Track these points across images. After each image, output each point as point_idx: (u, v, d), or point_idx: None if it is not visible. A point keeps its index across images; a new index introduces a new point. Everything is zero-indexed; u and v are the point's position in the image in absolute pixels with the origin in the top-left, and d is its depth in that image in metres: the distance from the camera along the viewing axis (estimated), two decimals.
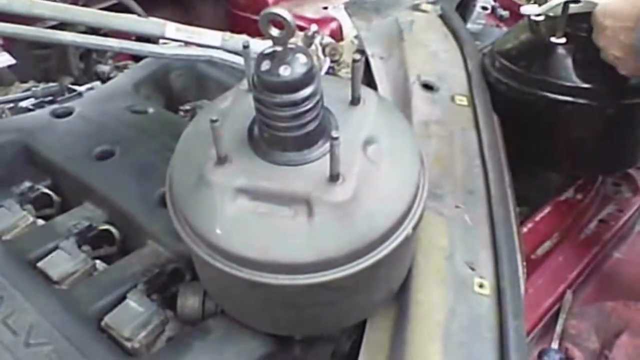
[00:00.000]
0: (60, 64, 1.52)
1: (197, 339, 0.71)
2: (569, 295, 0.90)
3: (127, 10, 1.33)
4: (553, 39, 1.03)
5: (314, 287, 0.62)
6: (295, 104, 0.60)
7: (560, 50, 1.02)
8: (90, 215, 0.90)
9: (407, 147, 0.69)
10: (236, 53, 1.14)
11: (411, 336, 0.70)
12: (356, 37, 1.46)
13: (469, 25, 1.65)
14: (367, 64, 1.24)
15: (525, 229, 0.99)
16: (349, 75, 1.35)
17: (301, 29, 1.64)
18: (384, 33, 1.34)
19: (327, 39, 1.25)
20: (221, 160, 0.63)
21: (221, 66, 1.18)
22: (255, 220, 0.61)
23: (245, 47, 0.66)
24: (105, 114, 1.05)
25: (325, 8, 1.73)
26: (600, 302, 0.89)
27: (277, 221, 0.61)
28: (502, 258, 0.78)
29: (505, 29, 1.77)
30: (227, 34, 1.15)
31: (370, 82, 1.20)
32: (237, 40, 1.18)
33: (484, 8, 1.68)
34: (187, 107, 1.23)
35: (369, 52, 1.28)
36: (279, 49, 0.59)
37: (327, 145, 0.63)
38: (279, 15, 0.55)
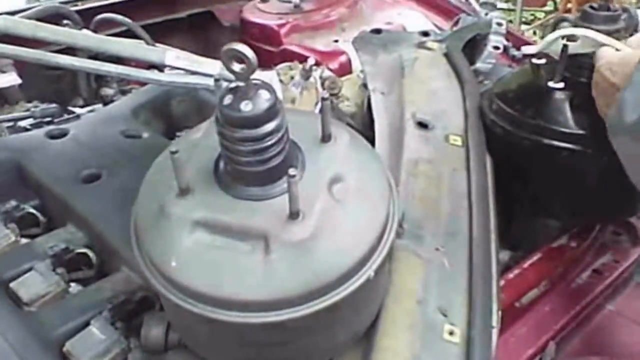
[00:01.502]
0: (71, 86, 1.55)
1: None
2: (551, 347, 0.86)
3: (136, 37, 1.35)
4: (551, 84, 1.01)
5: (268, 326, 0.61)
6: (256, 139, 0.59)
7: (558, 95, 1.00)
8: (70, 238, 0.90)
9: (376, 187, 0.68)
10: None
11: None
12: (362, 71, 1.46)
13: (479, 65, 1.63)
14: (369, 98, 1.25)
15: (511, 275, 0.96)
16: (347, 109, 1.36)
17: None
18: (387, 69, 1.34)
19: (327, 73, 1.26)
20: (183, 192, 0.63)
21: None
22: (211, 255, 0.61)
23: (217, 80, 0.66)
24: (98, 137, 1.07)
25: (336, 41, 1.74)
26: (584, 357, 0.86)
27: (233, 256, 0.60)
28: (476, 305, 0.76)
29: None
30: None
31: (371, 117, 1.20)
32: None
33: (496, 48, 1.66)
34: (184, 133, 1.24)
35: (370, 87, 1.28)
36: (241, 84, 0.59)
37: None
38: (240, 51, 0.56)
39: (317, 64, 1.36)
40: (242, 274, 0.60)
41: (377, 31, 1.48)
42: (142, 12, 1.76)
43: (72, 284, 0.86)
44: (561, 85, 1.00)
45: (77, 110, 1.21)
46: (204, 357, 0.71)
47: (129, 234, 0.86)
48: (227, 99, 0.59)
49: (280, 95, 1.19)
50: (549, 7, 6.17)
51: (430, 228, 0.87)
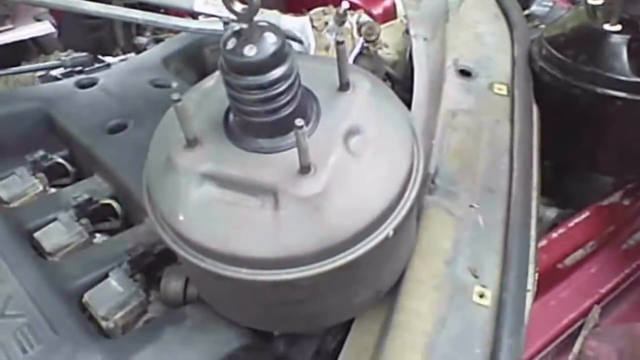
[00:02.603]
0: (110, 35, 1.53)
1: (170, 325, 0.69)
2: (595, 311, 0.80)
3: None
4: (606, 26, 0.91)
5: (279, 284, 0.58)
6: (263, 87, 0.55)
7: (614, 39, 0.90)
8: (95, 188, 0.90)
9: (397, 139, 0.62)
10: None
11: (391, 344, 0.64)
12: (405, 16, 1.38)
13: (535, 7, 1.52)
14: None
15: (555, 235, 0.89)
16: (388, 56, 1.29)
17: (356, 7, 1.58)
18: (432, 13, 1.25)
19: (365, 18, 1.18)
20: (191, 144, 0.59)
21: None
22: (220, 209, 0.58)
23: (226, 23, 0.61)
24: (127, 86, 1.05)
25: None
26: (630, 323, 0.79)
27: (242, 211, 0.57)
28: (510, 267, 0.71)
29: None
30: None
31: (412, 65, 1.13)
32: (269, 15, 1.14)
33: None
34: None
35: (412, 32, 1.20)
36: (244, 26, 0.54)
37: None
38: None
39: (353, 7, 1.28)
40: (250, 230, 0.56)
41: None
42: None
43: (98, 235, 0.86)
44: (618, 27, 0.91)
45: (108, 59, 1.19)
46: (219, 313, 0.69)
47: None
48: (230, 43, 0.54)
49: (312, 42, 1.14)
50: None
51: (465, 184, 0.82)
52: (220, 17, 1.09)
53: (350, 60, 1.11)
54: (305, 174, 0.56)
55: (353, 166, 0.58)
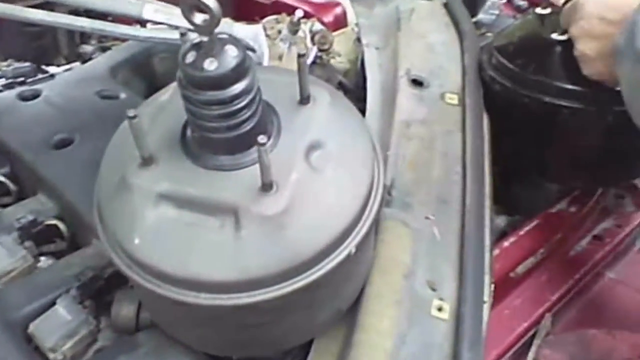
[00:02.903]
0: (53, 43, 1.47)
1: (123, 354, 0.66)
2: (547, 319, 0.82)
3: None
4: (554, 36, 0.94)
5: (240, 308, 0.56)
6: (224, 102, 0.53)
7: (561, 48, 0.93)
8: (40, 208, 0.85)
9: (359, 154, 0.62)
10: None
11: None
12: (357, 24, 1.38)
13: (481, 15, 1.56)
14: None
15: (506, 243, 0.91)
16: (340, 65, 1.29)
17: (307, 14, 1.57)
18: (383, 21, 1.26)
19: (318, 26, 1.18)
20: (146, 162, 0.57)
21: None
22: (178, 231, 0.56)
23: (183, 34, 0.59)
24: (72, 98, 1.00)
25: None
26: (581, 330, 0.81)
27: (201, 233, 0.55)
28: (466, 279, 0.71)
29: None
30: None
31: (364, 73, 1.13)
32: (221, 23, 1.12)
33: None
34: None
35: (364, 41, 1.20)
36: (205, 39, 0.52)
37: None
38: (201, 2, 0.49)
39: (307, 16, 1.28)
40: (210, 252, 0.55)
41: None
42: None
43: (43, 258, 0.82)
44: (565, 37, 0.93)
45: (52, 70, 1.14)
46: (175, 338, 0.67)
47: None
48: (190, 57, 0.53)
49: (266, 50, 1.13)
50: None
51: (420, 195, 0.82)
52: (171, 25, 1.06)
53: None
54: (267, 192, 0.54)
55: (315, 182, 0.57)
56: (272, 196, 0.54)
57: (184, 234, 0.55)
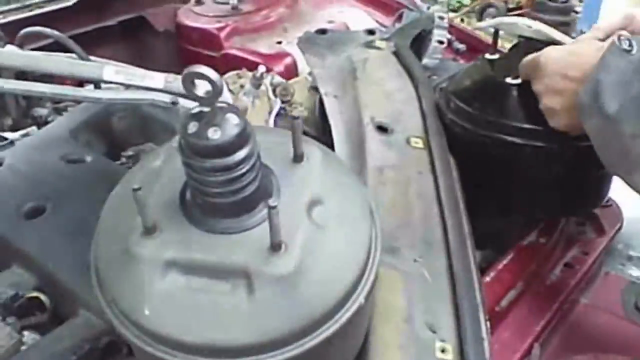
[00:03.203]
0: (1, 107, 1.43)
1: None
2: (536, 349, 0.85)
3: (65, 50, 1.25)
4: (508, 80, 1.00)
5: None
6: (229, 168, 0.54)
7: (516, 92, 0.99)
8: (17, 281, 0.82)
9: (356, 206, 0.63)
10: (182, 95, 1.08)
11: None
12: (310, 73, 1.42)
13: (426, 60, 1.62)
14: (322, 102, 1.21)
15: (488, 279, 0.94)
16: (301, 114, 1.32)
17: (255, 65, 1.60)
18: (337, 71, 1.30)
19: (278, 79, 1.21)
20: (149, 230, 0.56)
21: (167, 108, 1.12)
22: (188, 298, 0.55)
23: (174, 103, 0.60)
24: (37, 164, 0.97)
25: (279, 43, 1.68)
26: (569, 356, 0.85)
27: (212, 298, 0.55)
28: (464, 317, 0.73)
29: (462, 62, 1.75)
30: (171, 76, 1.09)
31: (325, 122, 1.16)
32: (181, 82, 1.12)
33: (440, 42, 1.65)
34: (129, 152, 1.16)
35: (322, 90, 1.23)
36: (206, 109, 0.53)
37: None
38: (203, 75, 0.50)
39: (267, 70, 1.30)
40: (224, 317, 0.54)
41: (323, 31, 1.44)
42: (69, 22, 1.64)
43: (26, 333, 0.78)
44: (518, 81, 0.99)
45: (10, 136, 1.10)
46: None
47: (85, 272, 0.80)
48: (192, 127, 0.53)
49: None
50: None
51: (405, 239, 0.84)
52: (134, 86, 1.06)
53: (270, 121, 1.12)
54: (277, 252, 0.55)
55: (320, 238, 0.58)
56: (282, 256, 0.55)
57: (195, 301, 0.55)
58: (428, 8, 1.70)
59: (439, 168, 0.97)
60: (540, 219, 1.08)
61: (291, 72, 1.62)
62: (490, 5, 5.93)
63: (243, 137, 0.54)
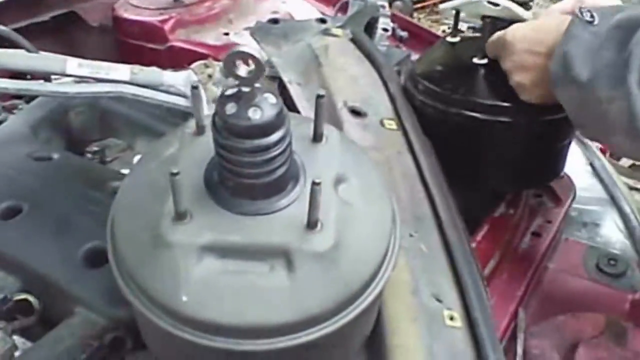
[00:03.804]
0: None
1: None
2: (521, 313, 0.90)
3: (12, 45, 1.18)
4: (476, 60, 1.04)
5: (299, 348, 0.56)
6: (268, 148, 0.54)
7: (483, 71, 1.04)
8: (2, 285, 0.77)
9: (376, 182, 0.65)
10: (148, 87, 1.05)
11: None
12: (267, 62, 1.41)
13: None
14: (283, 92, 1.20)
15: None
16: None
17: (204, 57, 1.57)
18: (298, 59, 1.30)
19: None
20: (180, 216, 0.55)
21: (129, 101, 1.08)
22: (227, 281, 0.54)
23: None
24: (5, 164, 0.92)
25: (227, 34, 1.66)
26: (552, 317, 0.90)
27: (252, 279, 0.54)
28: (466, 286, 0.76)
29: (404, 49, 1.80)
30: (137, 67, 1.06)
31: (291, 108, 1.16)
32: (147, 73, 1.09)
33: (385, 30, 1.69)
34: (94, 148, 1.11)
35: (285, 78, 1.23)
36: (245, 89, 0.52)
37: (298, 189, 0.58)
38: (248, 54, 0.49)
39: (206, 57, 1.28)
40: (265, 297, 0.54)
41: (275, 21, 1.44)
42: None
43: (15, 337, 0.74)
44: (485, 61, 1.04)
45: None
46: None
47: (77, 269, 0.77)
48: (231, 108, 0.52)
49: (203, 95, 1.12)
50: None
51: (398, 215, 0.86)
52: (96, 79, 1.02)
53: None
54: (314, 230, 0.55)
55: (350, 214, 0.59)
56: (320, 233, 0.55)
57: (234, 284, 0.54)
58: None
59: (417, 147, 1.00)
60: (507, 191, 1.14)
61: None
62: None
63: (281, 117, 0.54)
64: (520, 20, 1.00)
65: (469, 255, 0.81)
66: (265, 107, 0.53)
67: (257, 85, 0.53)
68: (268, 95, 0.53)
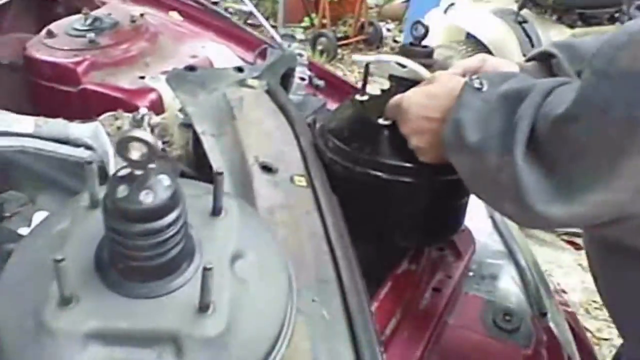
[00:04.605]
0: None
1: None
2: None
3: None
4: (380, 121, 1.08)
5: None
6: (160, 231, 0.53)
7: (387, 131, 1.07)
8: None
9: (274, 258, 0.66)
10: (53, 140, 1.02)
11: None
12: (181, 110, 1.40)
13: (290, 96, 1.68)
14: (198, 141, 1.20)
15: (372, 309, 1.00)
16: (175, 153, 1.30)
17: (117, 100, 1.54)
18: (213, 109, 1.30)
19: (156, 118, 1.18)
20: (65, 301, 0.53)
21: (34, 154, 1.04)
22: None
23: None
24: None
25: (142, 77, 1.64)
26: None
27: None
28: (363, 354, 0.77)
29: (321, 97, 1.84)
30: (41, 119, 1.03)
31: (204, 160, 1.15)
32: (53, 124, 1.06)
33: (302, 79, 1.73)
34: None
35: (198, 129, 1.23)
36: (138, 172, 0.52)
37: (192, 268, 0.58)
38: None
39: (120, 102, 1.26)
40: None
41: (192, 68, 1.44)
42: None
43: None
44: (389, 122, 1.08)
45: None
46: None
47: None
48: (122, 190, 0.52)
49: (110, 149, 1.09)
50: (306, 23, 6.67)
51: (302, 280, 0.86)
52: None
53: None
54: (206, 313, 0.55)
55: (245, 294, 0.59)
56: (212, 317, 0.55)
57: None
58: (289, 45, 1.76)
59: (324, 206, 1.02)
60: (411, 247, 1.18)
61: (157, 108, 1.58)
62: (321, 35, 6.28)
63: (174, 199, 0.54)
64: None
65: (368, 322, 0.82)
66: (159, 189, 0.52)
67: (151, 166, 0.53)
68: (162, 177, 0.53)
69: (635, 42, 0.66)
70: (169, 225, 0.54)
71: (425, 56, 1.10)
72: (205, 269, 0.52)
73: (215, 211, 0.63)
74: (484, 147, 0.82)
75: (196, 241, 0.60)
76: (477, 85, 0.87)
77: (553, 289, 1.33)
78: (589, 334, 2.62)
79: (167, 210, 0.53)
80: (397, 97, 1.02)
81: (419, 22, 1.10)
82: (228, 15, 2.01)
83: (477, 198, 0.93)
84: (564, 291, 3.08)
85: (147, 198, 0.52)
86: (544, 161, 0.76)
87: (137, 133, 0.49)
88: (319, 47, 6.22)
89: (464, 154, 0.86)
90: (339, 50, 6.35)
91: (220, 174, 0.60)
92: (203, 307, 0.55)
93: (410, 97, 0.98)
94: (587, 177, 0.71)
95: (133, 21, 1.78)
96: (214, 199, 0.62)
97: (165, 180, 0.53)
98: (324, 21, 6.34)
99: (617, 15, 4.15)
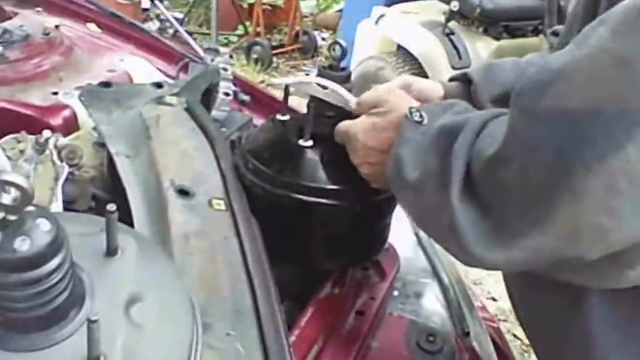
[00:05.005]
0: None
1: None
2: None
3: None
4: (301, 142, 1.06)
5: None
6: (39, 280, 0.49)
7: (309, 154, 1.05)
8: None
9: (176, 300, 0.62)
10: None
11: None
12: (94, 128, 1.34)
13: (214, 113, 1.64)
14: (112, 162, 1.15)
15: (293, 337, 0.98)
16: (87, 175, 1.23)
17: (28, 118, 1.45)
18: (127, 128, 1.25)
19: (63, 141, 1.12)
20: None
21: None
22: None
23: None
24: None
25: (55, 93, 1.55)
26: None
27: None
28: None
29: (247, 112, 1.81)
30: None
31: (117, 183, 1.10)
32: None
33: (227, 94, 1.69)
34: None
35: (112, 150, 1.17)
36: (12, 217, 0.48)
37: (82, 316, 0.54)
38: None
39: (32, 122, 1.19)
40: None
41: (106, 84, 1.37)
42: None
43: None
44: (310, 143, 1.06)
45: None
46: None
47: None
48: None
49: (10, 175, 1.02)
50: (240, 30, 6.63)
51: (216, 312, 0.83)
52: None
53: (58, 190, 1.02)
54: None
55: (141, 340, 0.56)
56: None
57: None
58: (212, 60, 1.71)
59: (243, 231, 0.99)
60: (333, 269, 1.16)
61: (71, 125, 1.50)
62: (256, 43, 6.25)
63: (55, 245, 0.49)
64: (345, 103, 1.04)
65: (284, 354, 0.80)
66: (36, 235, 0.48)
67: (28, 209, 0.48)
68: (41, 220, 0.49)
69: (560, 79, 0.62)
70: (51, 273, 0.49)
71: (342, 81, 1.08)
72: (90, 321, 0.48)
73: (110, 251, 0.59)
74: (423, 184, 0.79)
75: (87, 285, 0.56)
76: (417, 118, 0.84)
77: (477, 305, 1.34)
78: (518, 342, 2.70)
79: (47, 258, 0.49)
80: (344, 124, 0.99)
81: (336, 42, 1.08)
82: (147, 28, 1.93)
83: (429, 237, 0.92)
84: (494, 299, 3.16)
85: (22, 245, 0.47)
86: (480, 203, 0.72)
87: (8, 177, 0.45)
88: (254, 56, 6.17)
89: (406, 191, 0.84)
90: (274, 59, 6.33)
91: (113, 212, 0.56)
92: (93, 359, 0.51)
93: (357, 126, 0.95)
94: (523, 222, 0.67)
95: (46, 33, 1.69)
96: (107, 238, 0.58)
97: (44, 224, 0.49)
98: (259, 29, 6.30)
99: (540, 27, 4.33)
